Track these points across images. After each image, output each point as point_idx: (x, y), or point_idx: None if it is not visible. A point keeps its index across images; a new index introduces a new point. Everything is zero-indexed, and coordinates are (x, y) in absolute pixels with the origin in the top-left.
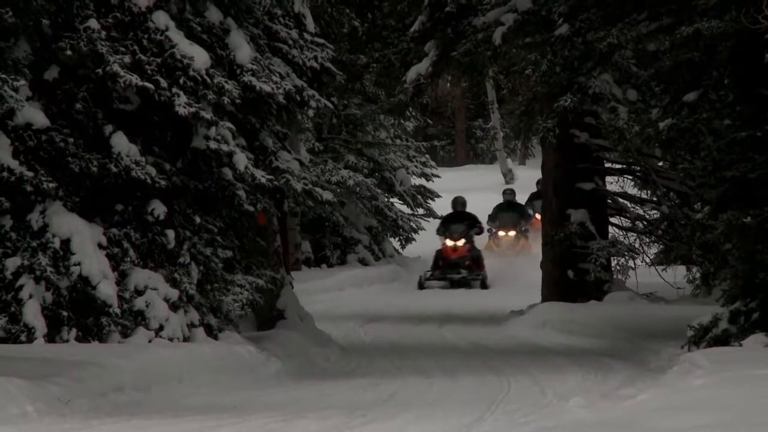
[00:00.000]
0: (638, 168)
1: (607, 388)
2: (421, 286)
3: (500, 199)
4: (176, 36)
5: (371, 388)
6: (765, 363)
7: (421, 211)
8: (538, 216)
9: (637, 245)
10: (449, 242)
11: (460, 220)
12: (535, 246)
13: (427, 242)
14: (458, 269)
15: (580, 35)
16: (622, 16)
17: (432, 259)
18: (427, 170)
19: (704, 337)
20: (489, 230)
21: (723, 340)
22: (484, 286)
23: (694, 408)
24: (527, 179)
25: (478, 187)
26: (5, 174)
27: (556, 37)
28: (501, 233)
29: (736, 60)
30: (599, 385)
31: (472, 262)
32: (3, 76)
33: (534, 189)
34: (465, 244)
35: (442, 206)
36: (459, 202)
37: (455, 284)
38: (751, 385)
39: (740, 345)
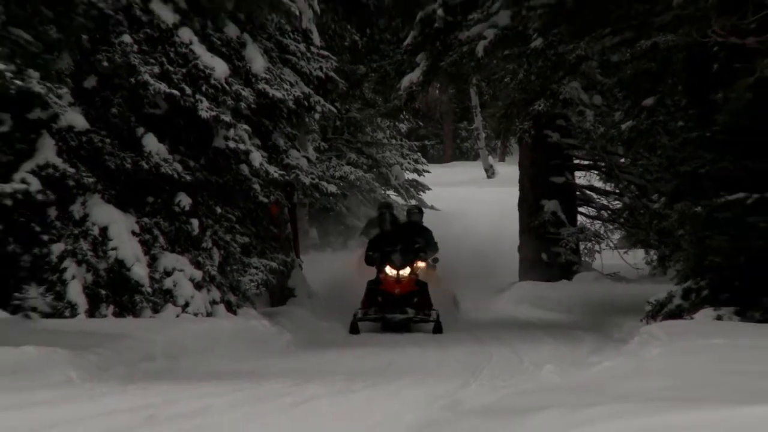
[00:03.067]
0: (603, 164)
1: (576, 357)
2: (353, 329)
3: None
4: (199, 49)
5: (370, 357)
6: (713, 334)
7: (413, 202)
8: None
9: (602, 231)
10: (391, 272)
11: (399, 239)
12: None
13: None
14: (403, 308)
15: (552, 48)
16: (588, 31)
17: (363, 293)
18: (419, 166)
19: (660, 311)
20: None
21: (677, 314)
22: (438, 329)
23: (652, 374)
24: (507, 174)
25: (463, 182)
26: (51, 170)
27: (531, 49)
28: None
29: (688, 69)
30: (569, 353)
31: (420, 299)
32: (48, 84)
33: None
34: (411, 275)
35: (433, 197)
36: (388, 218)
37: (396, 327)
38: (701, 354)
39: (692, 318)
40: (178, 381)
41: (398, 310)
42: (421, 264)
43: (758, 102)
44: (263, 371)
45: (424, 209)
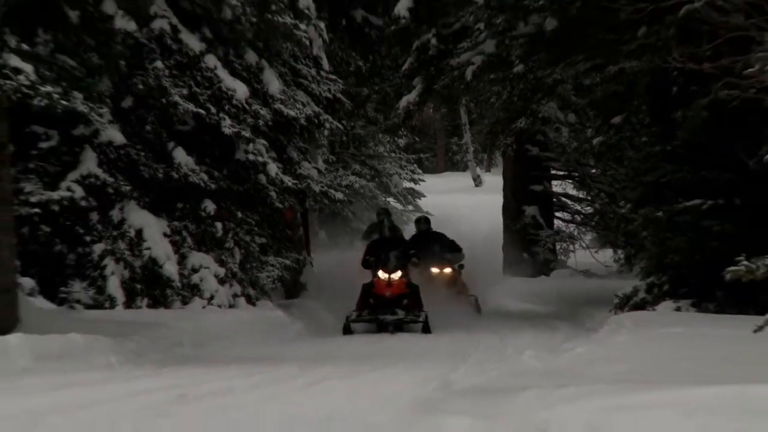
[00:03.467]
0: (576, 174)
1: (553, 343)
2: (347, 330)
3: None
4: (222, 73)
5: (373, 344)
6: (673, 324)
7: (410, 207)
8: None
9: (575, 233)
10: (383, 275)
11: (391, 247)
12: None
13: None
14: (394, 309)
15: (532, 72)
16: (564, 57)
17: (358, 296)
18: (415, 176)
19: (627, 303)
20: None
21: (641, 306)
22: (426, 329)
23: (619, 359)
24: (492, 183)
25: (454, 190)
26: (92, 179)
27: (514, 74)
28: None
29: (651, 92)
30: (547, 340)
31: (410, 301)
32: (90, 104)
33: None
34: (402, 278)
35: (427, 204)
36: (386, 224)
37: (388, 328)
38: (662, 341)
39: (654, 310)
40: (205, 365)
41: (389, 312)
42: (447, 270)
43: (712, 120)
44: (279, 356)
45: (428, 211)
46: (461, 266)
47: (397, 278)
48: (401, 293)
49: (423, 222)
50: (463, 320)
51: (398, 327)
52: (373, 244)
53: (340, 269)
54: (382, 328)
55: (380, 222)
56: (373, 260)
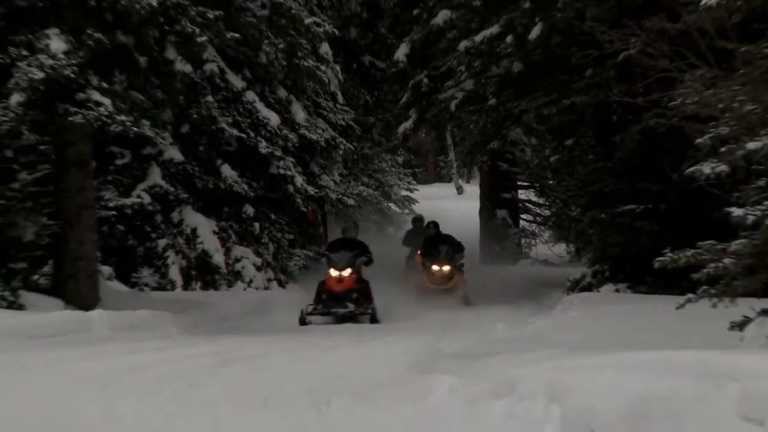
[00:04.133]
0: (537, 185)
1: (519, 317)
2: (302, 321)
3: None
4: (259, 105)
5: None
6: (613, 302)
7: (407, 211)
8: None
9: (536, 231)
10: (334, 272)
11: (346, 247)
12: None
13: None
14: (344, 303)
15: (503, 105)
16: (527, 93)
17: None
18: (410, 186)
19: (577, 286)
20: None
21: (588, 288)
22: (374, 320)
23: (571, 329)
24: (471, 191)
25: (440, 197)
26: (157, 189)
27: (488, 106)
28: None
29: (596, 120)
30: (514, 315)
31: (360, 295)
32: (156, 130)
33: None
34: (351, 274)
35: (419, 208)
36: (350, 227)
37: (340, 319)
38: (604, 316)
39: (598, 291)
40: (246, 334)
41: (340, 305)
42: (446, 268)
43: (644, 143)
44: (303, 328)
45: (423, 216)
46: (461, 264)
47: (347, 275)
48: (351, 288)
49: (433, 226)
50: (450, 305)
51: (352, 318)
52: (330, 245)
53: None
54: (337, 319)
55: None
56: (325, 260)
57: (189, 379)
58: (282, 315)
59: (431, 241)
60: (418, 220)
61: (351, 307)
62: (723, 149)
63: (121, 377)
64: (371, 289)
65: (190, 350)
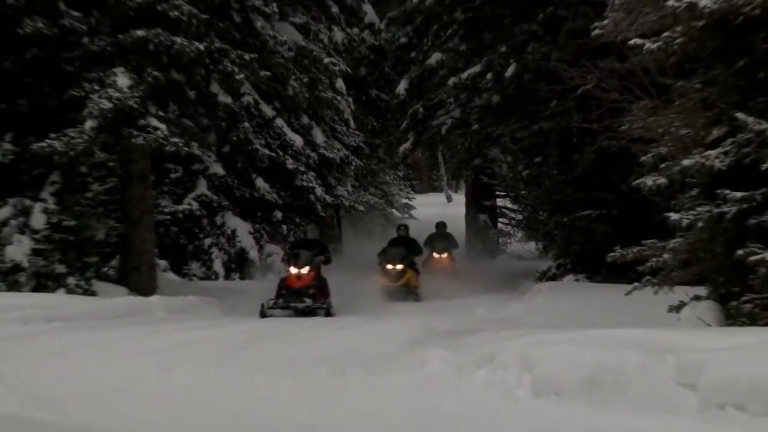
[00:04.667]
0: (512, 194)
1: (497, 301)
2: (263, 314)
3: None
4: (286, 130)
5: (376, 305)
6: (573, 289)
7: (406, 215)
8: (435, 255)
9: (511, 232)
10: (293, 270)
11: (307, 247)
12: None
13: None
14: (302, 298)
15: (484, 129)
16: (504, 120)
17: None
18: (409, 195)
19: (544, 276)
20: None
21: (553, 278)
22: (329, 314)
23: (539, 312)
24: (458, 200)
25: (433, 204)
26: (203, 198)
27: (472, 130)
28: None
29: (559, 141)
30: (493, 300)
31: (316, 291)
32: (203, 150)
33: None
34: (310, 271)
35: (417, 213)
36: (311, 228)
37: (299, 313)
38: (567, 301)
39: (562, 281)
40: (275, 317)
41: (298, 300)
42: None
43: (598, 161)
44: None
45: (417, 218)
46: (413, 263)
47: (305, 272)
48: (309, 284)
49: (441, 226)
50: (441, 290)
51: (310, 313)
52: (291, 245)
53: (359, 253)
54: (296, 313)
55: (306, 231)
56: (286, 258)
57: (230, 352)
58: None
59: (391, 243)
60: (440, 225)
61: (308, 301)
62: (662, 165)
63: (175, 350)
64: (328, 286)
65: (231, 329)
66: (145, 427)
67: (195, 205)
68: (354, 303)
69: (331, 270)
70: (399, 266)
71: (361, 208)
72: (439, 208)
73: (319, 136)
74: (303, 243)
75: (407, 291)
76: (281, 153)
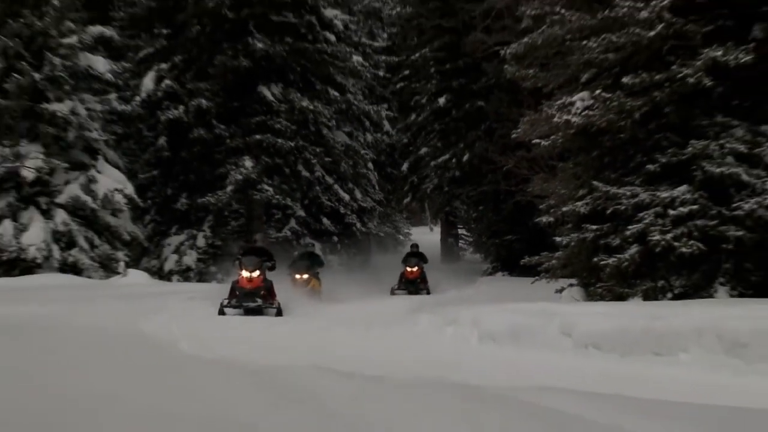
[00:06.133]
0: (467, 226)
1: (460, 287)
2: (221, 312)
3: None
4: (340, 191)
5: (373, 300)
6: (501, 281)
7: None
8: (408, 269)
9: (466, 247)
10: (245, 273)
11: (255, 254)
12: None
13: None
14: (254, 298)
15: (451, 191)
16: (462, 185)
17: (229, 289)
18: (405, 228)
19: (485, 273)
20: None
21: (491, 274)
22: (279, 314)
23: (482, 294)
24: (437, 230)
25: (421, 233)
26: (293, 228)
27: (445, 191)
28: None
29: (494, 198)
30: (458, 287)
31: (266, 292)
32: (293, 202)
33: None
34: (259, 275)
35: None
36: (260, 238)
37: (250, 312)
38: (498, 287)
39: (495, 276)
40: (310, 316)
41: (250, 300)
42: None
43: (515, 208)
44: (354, 296)
45: (412, 240)
46: (317, 273)
47: (255, 275)
48: (258, 286)
49: (414, 246)
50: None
51: (259, 312)
52: (243, 251)
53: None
54: (247, 311)
55: (253, 240)
56: (238, 263)
57: (281, 342)
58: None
59: (300, 256)
60: (413, 246)
61: (259, 302)
62: (551, 211)
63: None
64: (274, 288)
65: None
66: (342, 361)
67: (288, 233)
68: (373, 291)
69: (361, 270)
70: (305, 276)
71: (382, 234)
72: (425, 234)
73: (358, 195)
74: (252, 250)
75: (312, 293)
76: (337, 204)
